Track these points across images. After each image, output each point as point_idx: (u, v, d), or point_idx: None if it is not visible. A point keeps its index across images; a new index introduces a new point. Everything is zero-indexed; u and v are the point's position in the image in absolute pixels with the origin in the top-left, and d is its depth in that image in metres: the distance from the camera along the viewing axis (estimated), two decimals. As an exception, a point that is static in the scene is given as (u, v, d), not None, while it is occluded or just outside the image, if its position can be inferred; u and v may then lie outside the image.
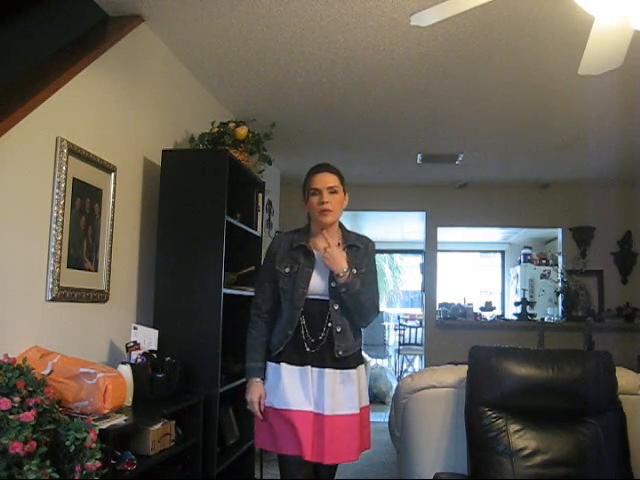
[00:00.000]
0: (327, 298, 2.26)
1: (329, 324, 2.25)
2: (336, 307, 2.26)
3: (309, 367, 2.23)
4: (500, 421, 2.24)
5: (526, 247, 9.22)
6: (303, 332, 2.25)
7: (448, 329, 6.78)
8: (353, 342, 2.30)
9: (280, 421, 2.20)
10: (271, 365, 2.30)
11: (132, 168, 3.04)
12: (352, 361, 2.29)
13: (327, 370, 2.22)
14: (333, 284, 2.24)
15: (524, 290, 7.92)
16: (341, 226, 2.40)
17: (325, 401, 2.18)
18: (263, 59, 3.49)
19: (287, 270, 2.28)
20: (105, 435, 1.92)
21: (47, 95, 2.29)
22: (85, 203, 2.57)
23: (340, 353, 2.24)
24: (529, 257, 8.99)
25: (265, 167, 3.82)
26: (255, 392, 2.27)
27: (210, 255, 3.01)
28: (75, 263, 2.50)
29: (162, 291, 3.05)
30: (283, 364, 2.25)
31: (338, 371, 2.24)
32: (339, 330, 2.25)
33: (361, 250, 2.35)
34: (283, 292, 2.29)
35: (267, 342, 2.33)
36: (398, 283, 15.10)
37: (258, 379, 2.29)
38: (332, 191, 2.27)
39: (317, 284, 2.26)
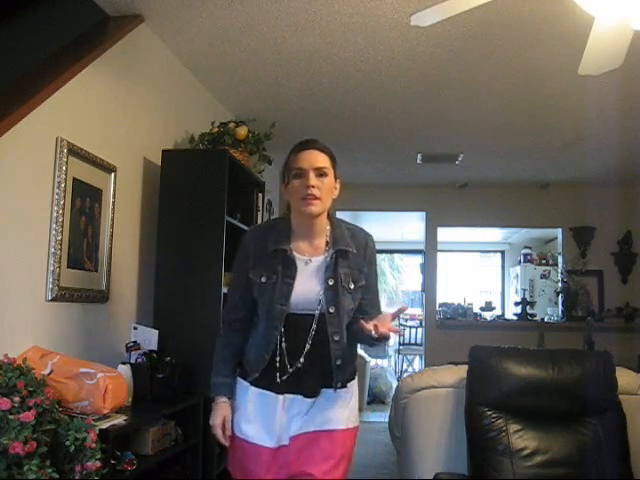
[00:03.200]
0: (312, 313, 1.80)
1: (309, 347, 1.80)
2: (336, 338, 1.81)
3: (290, 395, 1.82)
4: (500, 421, 2.24)
5: (526, 247, 9.22)
6: (279, 357, 1.81)
7: (448, 329, 6.77)
8: (352, 370, 1.92)
9: (245, 453, 1.85)
10: (242, 383, 1.90)
11: (132, 168, 3.04)
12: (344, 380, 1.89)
13: (310, 400, 1.82)
14: (332, 309, 1.80)
15: (524, 290, 7.92)
16: (331, 220, 1.88)
17: (293, 425, 1.81)
18: (263, 59, 3.49)
19: (262, 280, 1.81)
20: (105, 435, 1.92)
21: (47, 95, 2.29)
22: (85, 203, 2.57)
23: (339, 385, 1.84)
24: (529, 257, 8.98)
25: (265, 167, 3.82)
26: (218, 415, 1.87)
27: (210, 255, 3.01)
28: (75, 263, 2.50)
29: (162, 291, 3.05)
30: (254, 388, 1.86)
31: (326, 390, 1.84)
32: (339, 363, 1.82)
33: (355, 256, 1.85)
34: (260, 304, 1.85)
35: (239, 354, 1.91)
36: (398, 283, 15.10)
37: (224, 399, 1.88)
38: (321, 173, 1.77)
39: (299, 299, 1.80)
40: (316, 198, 1.74)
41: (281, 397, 1.81)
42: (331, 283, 1.80)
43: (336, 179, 1.83)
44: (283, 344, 1.81)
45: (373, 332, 1.63)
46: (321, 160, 1.78)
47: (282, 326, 1.80)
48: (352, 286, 1.82)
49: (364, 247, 1.87)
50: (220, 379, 1.91)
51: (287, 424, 1.81)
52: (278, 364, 1.81)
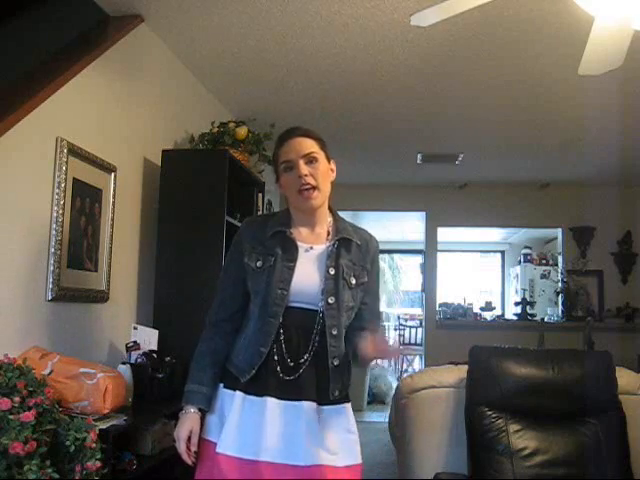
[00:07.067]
0: (315, 308, 1.66)
1: (315, 344, 1.64)
2: (334, 332, 1.65)
3: (286, 402, 1.62)
4: (500, 421, 2.24)
5: (526, 247, 9.23)
6: (278, 352, 1.63)
7: (448, 329, 6.77)
8: (347, 378, 1.73)
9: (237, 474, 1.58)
10: (225, 393, 1.68)
11: (132, 168, 3.04)
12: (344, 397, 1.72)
13: (307, 403, 1.62)
14: (331, 300, 1.64)
15: (524, 290, 7.93)
16: (332, 212, 1.76)
17: (303, 446, 1.58)
18: (263, 59, 3.49)
19: (258, 264, 1.65)
20: (105, 435, 1.92)
21: (47, 95, 2.29)
22: (85, 203, 2.57)
23: (336, 394, 1.66)
24: (529, 257, 8.99)
25: (265, 167, 3.82)
26: (185, 426, 1.64)
27: (210, 255, 3.01)
28: (75, 263, 2.50)
29: (162, 291, 3.05)
30: (243, 395, 1.64)
31: (325, 407, 1.65)
32: (336, 363, 1.66)
33: (359, 248, 1.73)
34: (254, 294, 1.67)
35: (220, 363, 1.71)
36: (398, 283, 15.10)
37: (194, 409, 1.66)
38: (311, 159, 1.65)
39: (301, 287, 1.64)
40: (313, 187, 1.62)
41: (275, 401, 1.60)
42: (332, 272, 1.65)
43: (329, 160, 1.71)
44: (282, 338, 1.63)
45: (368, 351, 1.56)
46: (308, 145, 1.66)
47: (282, 315, 1.62)
48: (353, 281, 1.68)
49: (368, 242, 1.75)
50: (194, 386, 1.68)
51: (296, 437, 1.58)
52: (277, 357, 1.62)
